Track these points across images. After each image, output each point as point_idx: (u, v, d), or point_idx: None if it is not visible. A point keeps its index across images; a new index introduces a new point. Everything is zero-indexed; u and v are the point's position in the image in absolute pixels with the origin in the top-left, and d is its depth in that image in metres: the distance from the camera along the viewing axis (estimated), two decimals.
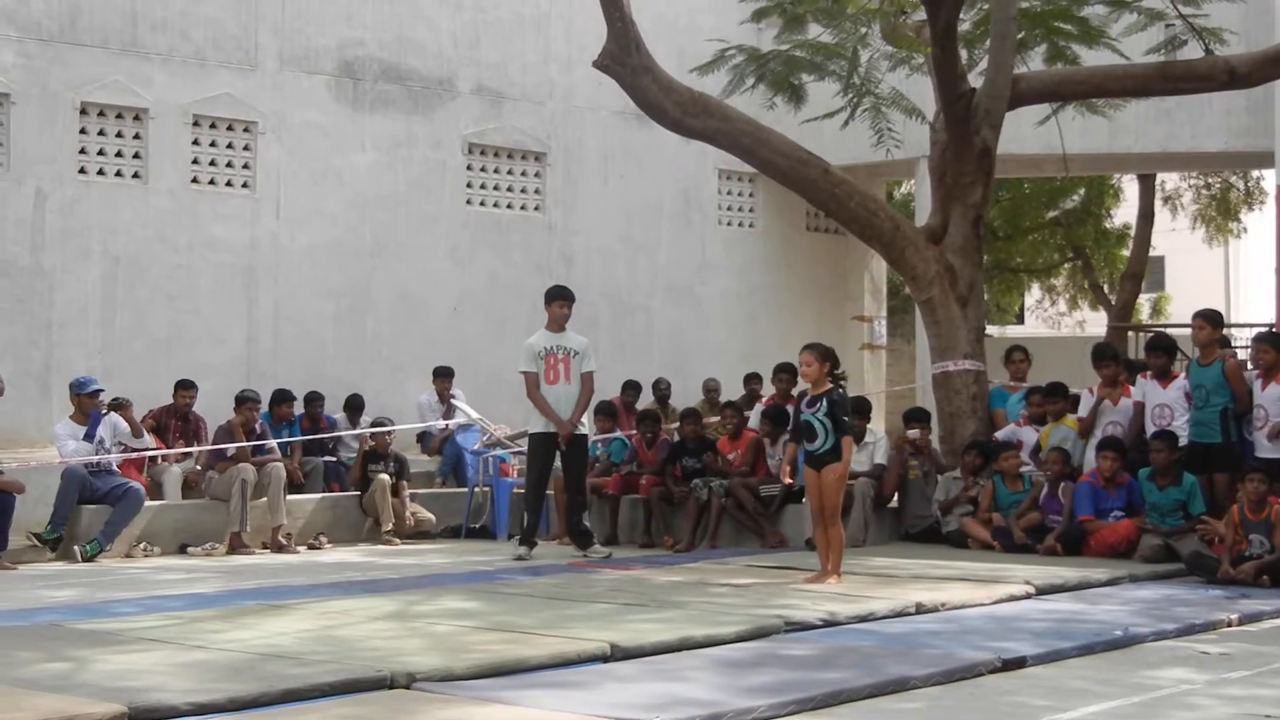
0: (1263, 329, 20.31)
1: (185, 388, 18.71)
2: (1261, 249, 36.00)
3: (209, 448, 18.16)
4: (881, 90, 18.26)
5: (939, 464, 17.55)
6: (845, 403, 13.29)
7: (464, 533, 19.02)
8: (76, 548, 16.24)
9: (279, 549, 17.35)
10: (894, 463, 17.24)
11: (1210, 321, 15.59)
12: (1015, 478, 16.33)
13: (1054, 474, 16.01)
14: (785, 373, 19.15)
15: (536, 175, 23.88)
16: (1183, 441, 15.39)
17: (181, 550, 17.11)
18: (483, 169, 23.38)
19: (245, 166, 21.21)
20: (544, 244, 23.77)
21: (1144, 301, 41.96)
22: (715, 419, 19.41)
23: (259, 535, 17.47)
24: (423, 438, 21.24)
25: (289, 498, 17.82)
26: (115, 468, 17.00)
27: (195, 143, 20.81)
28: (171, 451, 18.18)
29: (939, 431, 18.18)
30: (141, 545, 16.88)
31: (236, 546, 17.18)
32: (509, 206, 23.63)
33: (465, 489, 19.59)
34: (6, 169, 19.40)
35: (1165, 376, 16.03)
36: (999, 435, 17.28)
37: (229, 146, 21.12)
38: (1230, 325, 24.18)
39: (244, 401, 18.10)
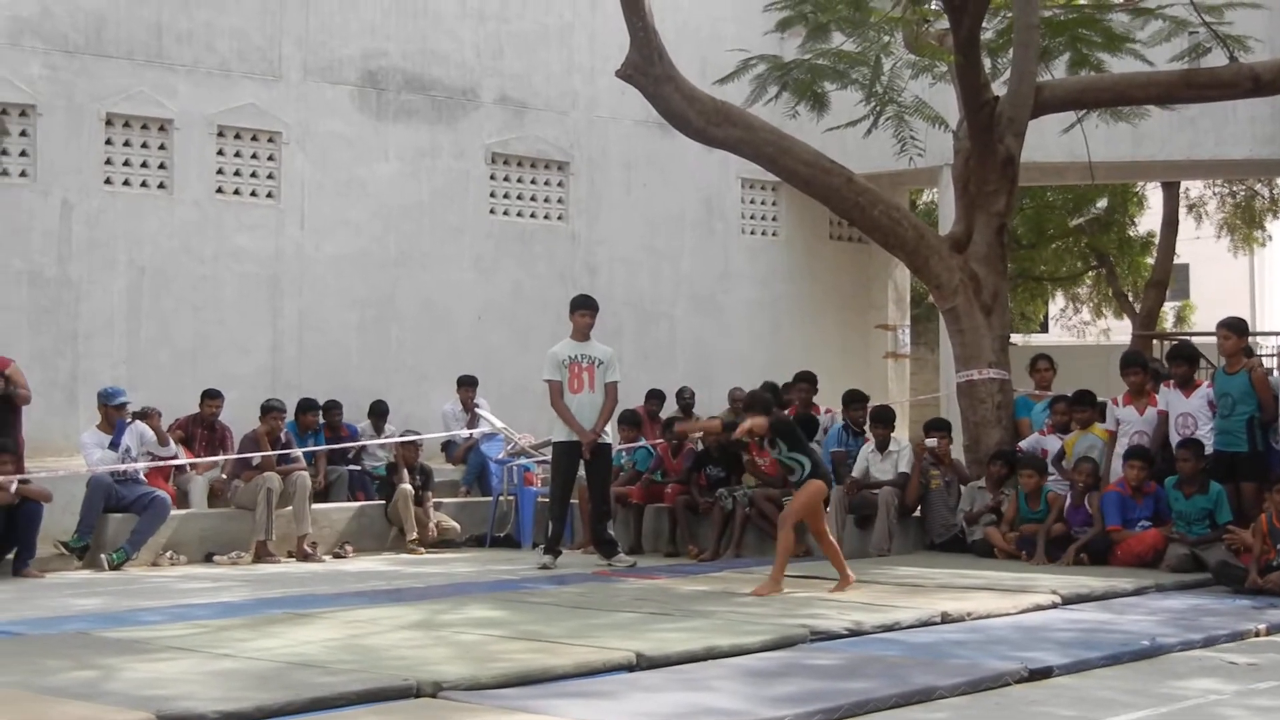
0: None
1: (211, 397, 18.75)
2: None
3: (235, 456, 18.19)
4: (904, 98, 18.23)
5: (961, 474, 17.53)
6: (786, 427, 13.85)
7: (489, 542, 19.03)
8: (103, 556, 16.28)
9: (304, 558, 17.37)
10: (914, 472, 17.22)
11: (1235, 330, 15.55)
12: (1035, 495, 16.28)
13: (1082, 485, 15.97)
14: (804, 381, 19.23)
15: (560, 185, 23.90)
16: (1208, 450, 15.36)
17: (207, 559, 17.14)
18: (506, 179, 23.40)
19: (270, 177, 21.25)
20: (567, 253, 23.78)
21: (1168, 310, 41.86)
22: None
23: (284, 544, 17.49)
24: (447, 447, 21.26)
25: (314, 506, 17.83)
26: (142, 476, 17.04)
27: (220, 153, 20.86)
28: (198, 460, 18.22)
29: (963, 440, 18.15)
30: (167, 554, 16.91)
31: (262, 555, 17.21)
32: (532, 216, 23.65)
33: (490, 498, 19.61)
34: (33, 180, 19.46)
35: (1188, 385, 15.99)
36: (1023, 445, 17.25)
37: (253, 157, 21.16)
38: (1255, 334, 24.14)
39: (269, 411, 18.13)
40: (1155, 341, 29.71)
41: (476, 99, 22.94)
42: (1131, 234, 36.97)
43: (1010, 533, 16.21)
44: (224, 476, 18.25)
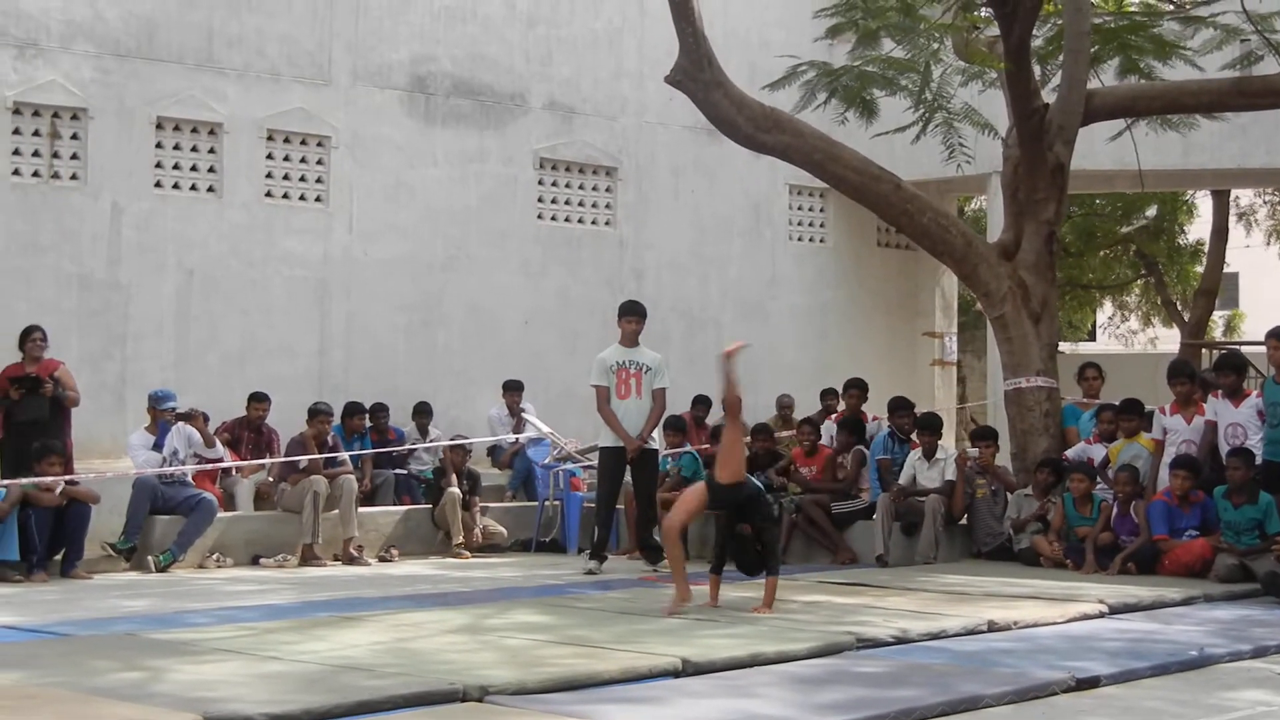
0: None
1: (258, 400, 18.81)
2: None
3: (281, 459, 18.24)
4: (954, 105, 18.21)
5: (1007, 482, 17.47)
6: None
7: (534, 546, 19.06)
8: (150, 558, 16.35)
9: (350, 561, 17.41)
10: (958, 482, 17.16)
11: None
12: (1085, 500, 16.22)
13: (1124, 494, 15.91)
14: (855, 388, 19.28)
15: (608, 190, 23.91)
16: (1258, 460, 15.28)
17: (254, 561, 17.19)
18: (554, 184, 23.41)
19: (319, 181, 21.30)
20: (615, 259, 23.79)
21: (1217, 319, 41.64)
22: (787, 434, 19.39)
23: (330, 547, 17.54)
24: (493, 451, 21.28)
25: (361, 510, 17.88)
26: (189, 479, 17.10)
27: (269, 157, 20.91)
28: (244, 463, 18.27)
29: (1011, 449, 18.10)
30: (214, 556, 16.97)
31: (308, 558, 17.25)
32: (580, 221, 23.66)
33: (535, 503, 19.63)
34: (84, 183, 19.53)
35: (1236, 395, 15.92)
36: (1069, 453, 17.20)
37: (303, 161, 21.21)
38: None
39: (316, 414, 18.18)
40: (1204, 350, 29.59)
41: (525, 104, 22.96)
42: (1181, 242, 36.79)
43: (1057, 541, 16.16)
44: (270, 479, 18.31)
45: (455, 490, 18.37)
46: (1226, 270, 36.23)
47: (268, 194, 20.89)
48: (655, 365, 16.25)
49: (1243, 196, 36.47)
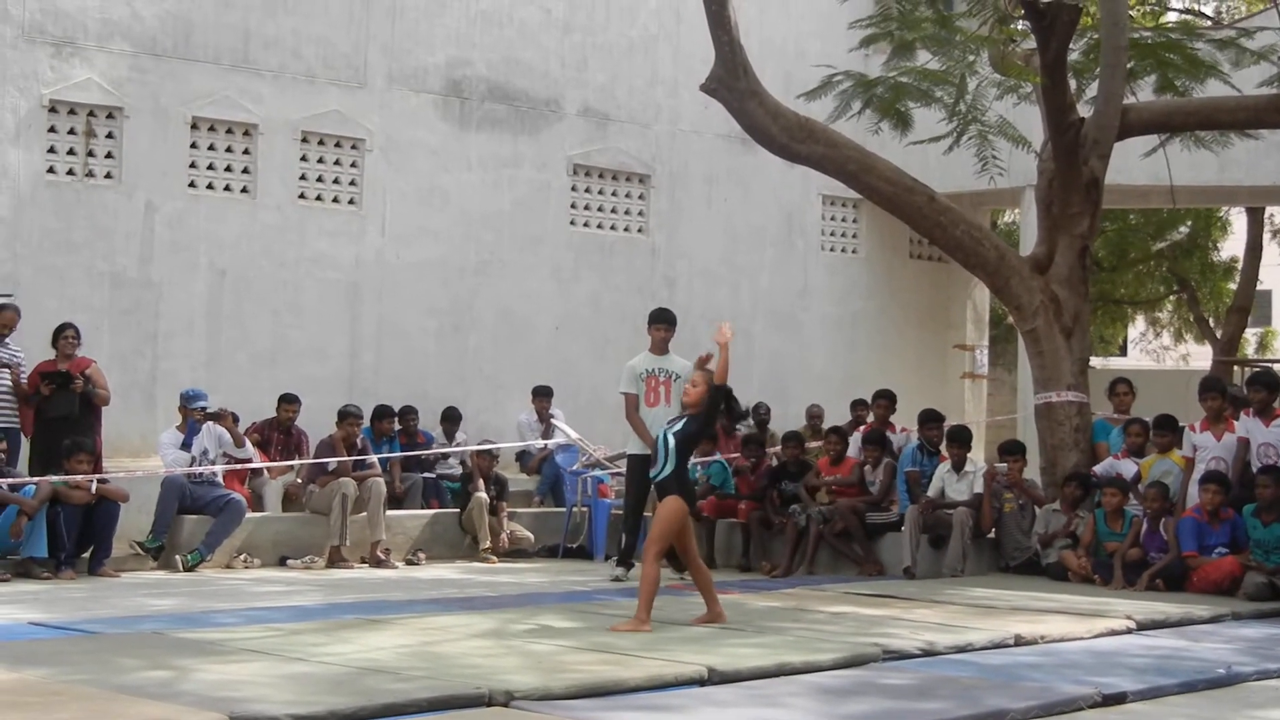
0: None
1: (288, 402, 18.85)
2: None
3: (310, 461, 18.27)
4: (988, 118, 18.18)
5: (1036, 496, 17.43)
6: (702, 432, 12.57)
7: (561, 552, 19.07)
8: (178, 557, 16.39)
9: (378, 564, 17.43)
10: (985, 496, 17.12)
11: None
12: (1116, 515, 16.18)
13: (1154, 510, 15.87)
14: (884, 399, 19.27)
15: (640, 197, 23.91)
16: None
17: (281, 563, 17.23)
18: (587, 190, 23.42)
19: (352, 183, 21.33)
20: (646, 266, 23.79)
21: (1250, 336, 41.57)
22: (817, 444, 19.38)
23: (358, 550, 17.56)
24: (522, 457, 21.29)
25: (389, 513, 17.90)
26: (219, 479, 17.13)
27: (303, 159, 20.94)
28: (273, 464, 18.30)
29: (1040, 463, 18.07)
30: (241, 556, 17.01)
31: (336, 560, 17.28)
32: (612, 228, 23.66)
33: (563, 509, 19.64)
34: (118, 181, 19.58)
35: (1267, 413, 15.89)
36: (1098, 469, 17.15)
37: (336, 163, 21.24)
38: None
39: (346, 416, 18.21)
40: (1236, 367, 29.53)
41: (559, 110, 22.98)
42: (1214, 259, 36.72)
43: (1085, 556, 16.12)
44: (299, 481, 18.33)
45: (483, 495, 18.39)
46: (1260, 288, 36.19)
47: (301, 195, 20.92)
48: (685, 373, 16.19)
49: (1277, 214, 36.37)
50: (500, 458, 19.68)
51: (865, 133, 19.32)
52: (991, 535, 17.33)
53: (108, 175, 19.57)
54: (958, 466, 17.34)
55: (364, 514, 17.56)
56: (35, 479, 15.56)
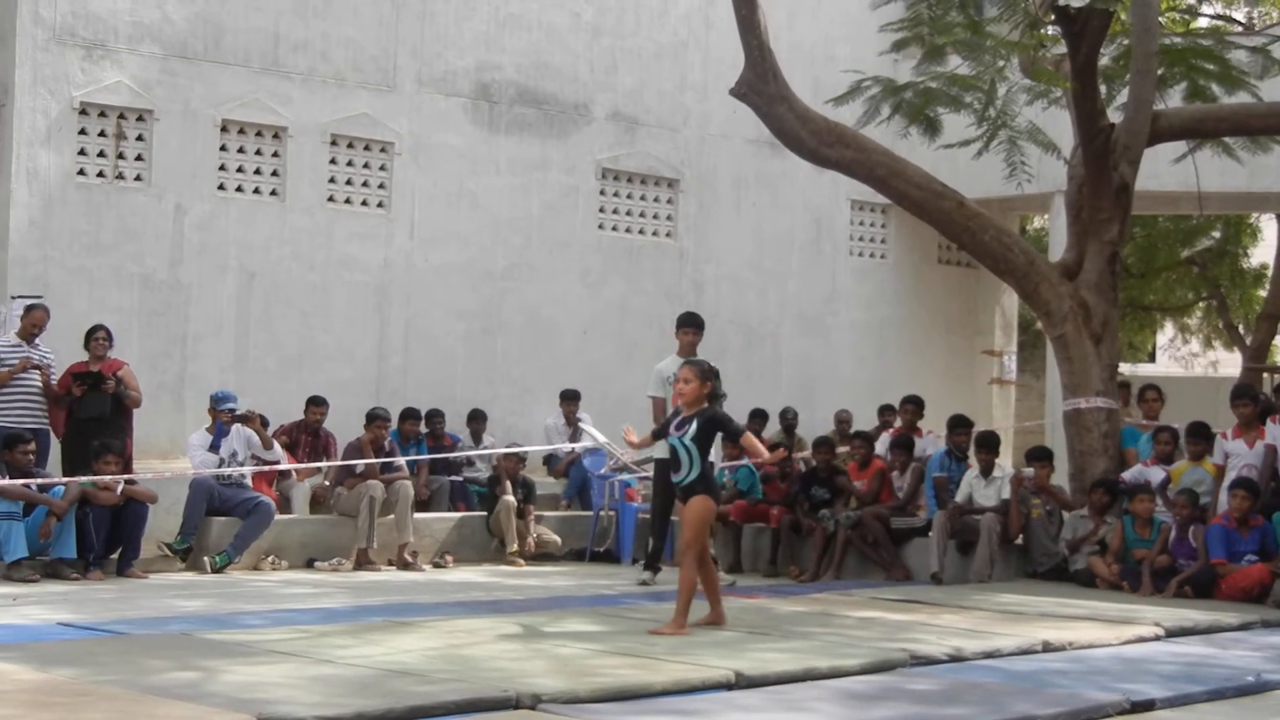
0: None
1: (317, 404, 18.88)
2: None
3: (338, 463, 18.29)
4: (1018, 123, 18.16)
5: (1063, 501, 17.39)
6: (718, 421, 12.21)
7: (588, 556, 19.08)
8: (206, 559, 16.43)
9: (405, 566, 17.45)
10: (1013, 502, 17.08)
11: None
12: (1145, 522, 16.13)
13: (1182, 517, 15.82)
14: (911, 404, 19.27)
15: (669, 202, 23.91)
16: None
17: (308, 565, 17.26)
18: (615, 194, 23.43)
19: (381, 186, 21.35)
20: (675, 270, 23.79)
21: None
22: (845, 449, 19.38)
23: (385, 552, 17.58)
24: (549, 460, 21.30)
25: (416, 516, 17.92)
26: (247, 480, 17.17)
27: (333, 162, 20.98)
28: (301, 466, 18.33)
29: (1069, 469, 18.03)
30: (269, 558, 17.04)
31: (363, 563, 17.30)
32: (641, 232, 23.66)
33: (590, 512, 19.64)
34: (148, 184, 19.63)
35: None
36: (1126, 475, 17.11)
37: (365, 166, 21.27)
38: None
39: (374, 419, 18.24)
40: (1265, 375, 29.43)
41: (588, 114, 22.99)
42: (1244, 265, 36.60)
43: (1114, 563, 16.08)
44: (327, 483, 18.35)
45: (510, 499, 18.41)
46: None
47: (330, 199, 20.95)
48: None
49: None
50: (528, 461, 19.69)
51: (894, 137, 19.33)
52: (1019, 541, 17.29)
53: (138, 178, 19.62)
54: (986, 472, 17.31)
55: (391, 516, 17.59)
56: (65, 480, 15.60)
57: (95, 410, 16.61)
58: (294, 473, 18.22)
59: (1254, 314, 35.96)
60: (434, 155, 21.63)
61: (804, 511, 17.82)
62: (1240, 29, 22.08)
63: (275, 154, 20.55)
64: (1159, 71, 18.21)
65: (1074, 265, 18.08)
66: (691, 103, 23.91)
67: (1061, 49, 18.41)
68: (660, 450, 16.01)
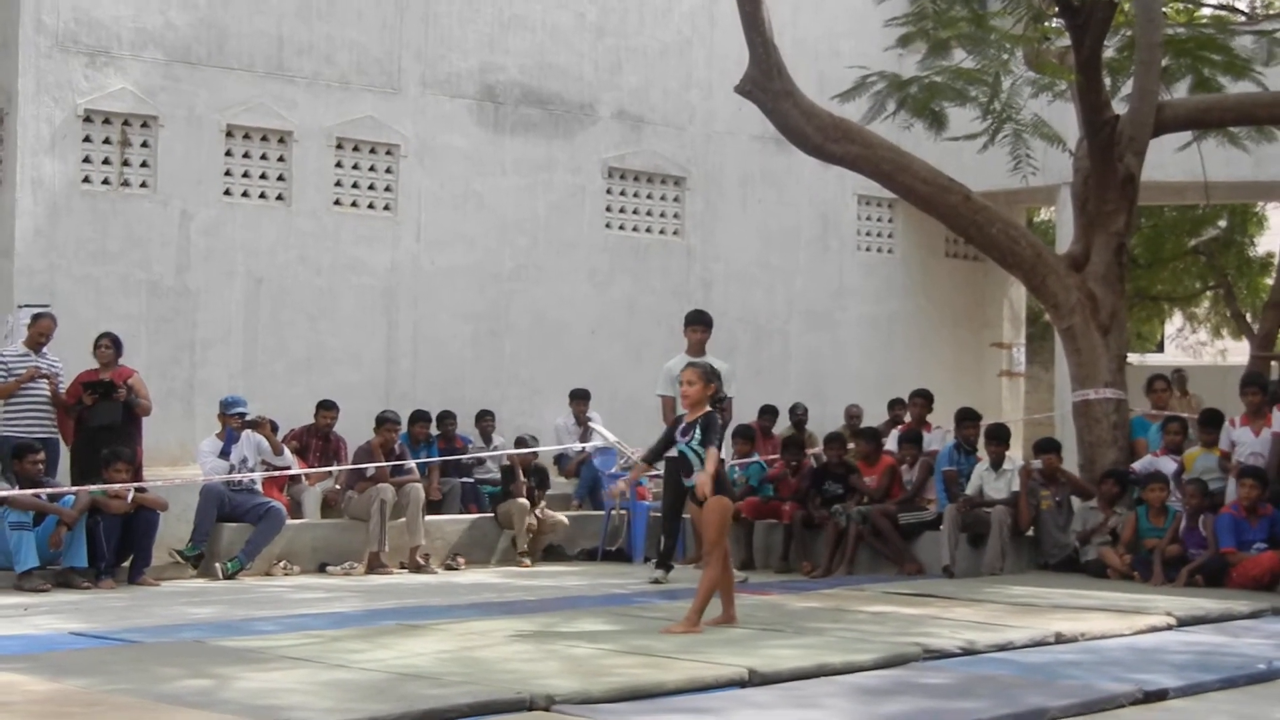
0: None
1: (326, 408, 18.88)
2: None
3: (349, 467, 18.29)
4: (1023, 116, 18.15)
5: (1080, 487, 17.36)
6: (716, 425, 12.09)
7: (600, 555, 19.07)
8: (217, 565, 16.42)
9: (417, 569, 17.45)
10: (1021, 494, 17.07)
11: None
12: (1160, 511, 16.13)
13: (1192, 506, 15.82)
14: (920, 397, 19.30)
15: (676, 200, 23.91)
16: None
17: (320, 569, 17.25)
18: (622, 193, 23.43)
19: (387, 189, 21.36)
20: (682, 268, 23.78)
21: None
22: (853, 445, 19.37)
23: (397, 555, 17.58)
24: (560, 460, 21.30)
25: (427, 518, 17.92)
26: (258, 486, 17.18)
27: (338, 165, 20.98)
28: (312, 471, 18.33)
29: (1079, 460, 18.03)
30: (281, 564, 17.04)
31: (375, 566, 17.29)
32: (648, 231, 23.67)
33: (602, 512, 19.63)
34: (154, 190, 19.64)
35: None
36: (1136, 466, 17.12)
37: (371, 169, 21.28)
38: None
39: (384, 422, 18.21)
40: (1273, 363, 29.38)
41: (594, 113, 22.99)
42: (1251, 254, 36.58)
43: (1125, 554, 16.07)
44: (338, 487, 18.35)
45: (524, 501, 18.41)
46: None
47: (336, 202, 20.96)
48: (723, 375, 16.19)
49: None
50: (539, 458, 19.71)
51: (899, 131, 19.30)
52: (1030, 533, 17.29)
53: (143, 184, 19.63)
54: (996, 465, 17.31)
55: (403, 519, 17.58)
56: (75, 489, 15.60)
57: (106, 419, 16.61)
58: (305, 477, 18.22)
59: (1261, 302, 35.88)
60: (439, 157, 21.63)
61: (815, 507, 17.81)
62: (1244, 18, 22.04)
63: (280, 158, 20.56)
64: (1164, 62, 18.19)
65: (1081, 257, 18.07)
66: (697, 100, 23.91)
67: (1065, 42, 18.41)
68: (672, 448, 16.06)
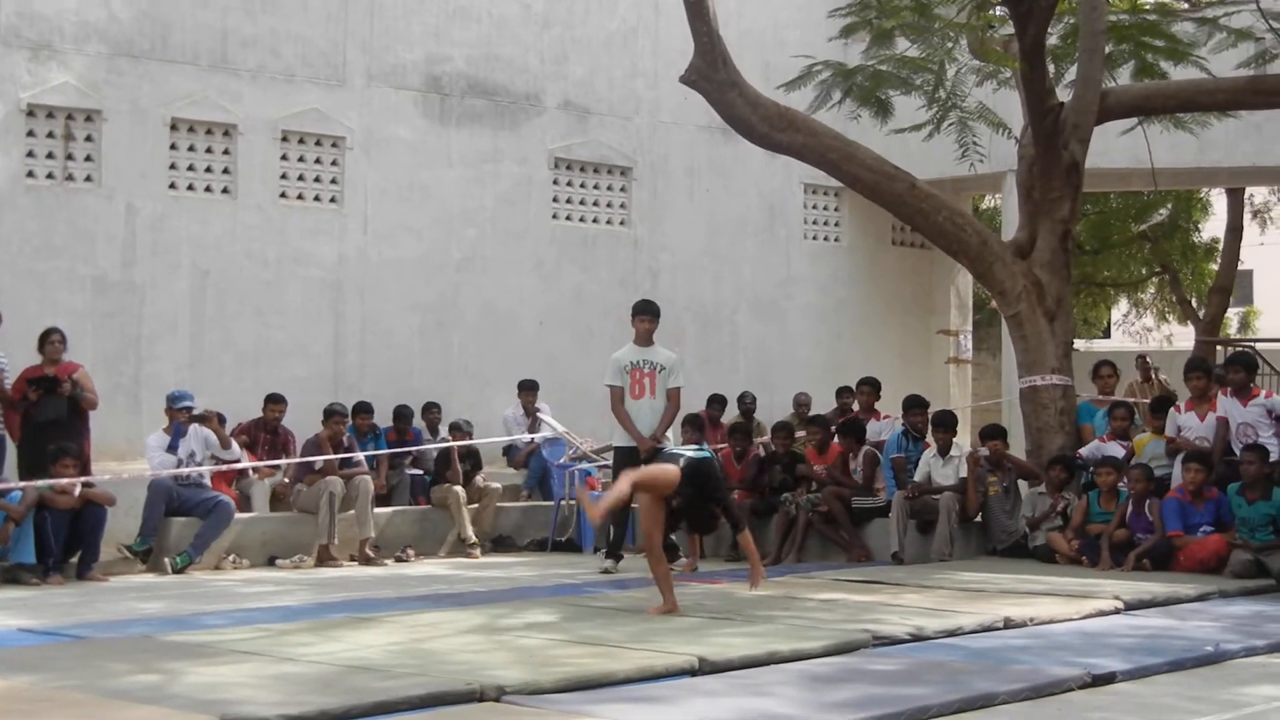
0: None
1: (274, 402, 18.82)
2: None
3: (297, 460, 18.26)
4: (968, 104, 18.21)
5: (1026, 469, 17.43)
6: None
7: (550, 546, 19.08)
8: (166, 560, 16.38)
9: (366, 561, 17.44)
10: (970, 480, 17.13)
11: None
12: (1111, 495, 16.21)
13: (1139, 491, 15.90)
14: (868, 386, 19.39)
15: (622, 190, 23.91)
16: (1273, 458, 15.29)
17: (270, 562, 17.22)
18: (569, 184, 23.41)
19: (333, 182, 21.31)
20: (629, 258, 23.79)
21: (1232, 316, 41.61)
22: (804, 433, 19.42)
23: (347, 548, 17.57)
24: (509, 451, 21.29)
25: (377, 511, 17.91)
26: (206, 480, 17.13)
27: (284, 158, 20.92)
28: (260, 465, 18.29)
29: (1026, 446, 18.11)
30: (230, 557, 17.00)
31: (324, 559, 17.28)
32: (595, 221, 23.66)
33: (551, 502, 19.65)
34: (98, 184, 19.55)
35: (1245, 393, 15.98)
36: (1083, 451, 17.21)
37: (317, 162, 21.22)
38: None
39: (332, 415, 18.19)
40: (1219, 347, 29.58)
41: (540, 104, 22.96)
42: (1195, 240, 36.79)
43: (1074, 539, 16.15)
44: (286, 480, 18.31)
45: (460, 490, 18.44)
46: (1241, 267, 36.22)
47: (282, 195, 20.90)
48: (670, 365, 16.24)
49: (1257, 194, 36.43)
50: (487, 452, 19.71)
51: (846, 121, 19.35)
52: (978, 519, 17.36)
53: (87, 178, 19.54)
54: (943, 451, 17.37)
55: (352, 512, 17.57)
56: (22, 484, 15.54)
57: (52, 414, 16.51)
58: (253, 471, 18.17)
59: (1206, 288, 36.16)
60: (385, 149, 21.59)
61: (764, 496, 17.85)
62: (1186, 5, 22.14)
63: (226, 151, 20.49)
64: (1107, 49, 18.27)
65: (1027, 244, 18.14)
66: (642, 90, 23.91)
67: (1009, 29, 18.46)
68: (620, 438, 16.10)
